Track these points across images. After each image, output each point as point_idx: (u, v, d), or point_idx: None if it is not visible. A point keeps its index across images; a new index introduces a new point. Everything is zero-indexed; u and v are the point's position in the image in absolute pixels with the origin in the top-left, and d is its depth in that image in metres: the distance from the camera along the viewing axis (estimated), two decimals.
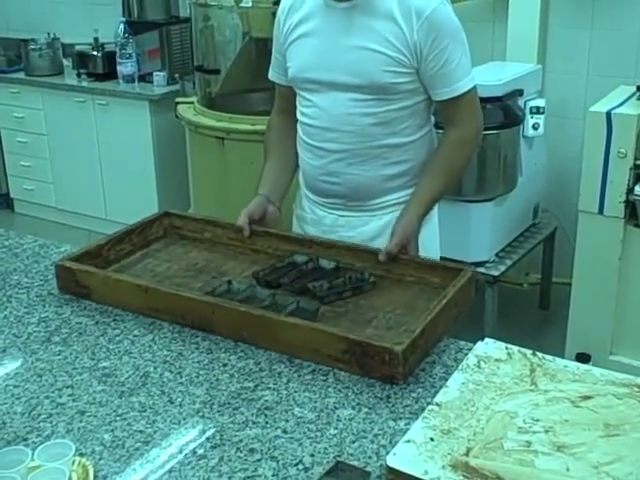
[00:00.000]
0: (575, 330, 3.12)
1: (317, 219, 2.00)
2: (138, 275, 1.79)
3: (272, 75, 2.03)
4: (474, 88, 1.86)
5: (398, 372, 1.38)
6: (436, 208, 2.00)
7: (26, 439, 1.27)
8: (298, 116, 1.95)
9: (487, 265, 3.23)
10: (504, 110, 3.20)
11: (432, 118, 1.96)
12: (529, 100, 3.37)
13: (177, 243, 1.98)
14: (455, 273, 1.67)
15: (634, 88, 3.09)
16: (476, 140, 1.94)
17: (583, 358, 2.97)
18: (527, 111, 3.34)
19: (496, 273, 3.21)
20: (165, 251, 1.94)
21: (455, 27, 1.81)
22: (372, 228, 1.93)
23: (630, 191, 2.88)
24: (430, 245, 1.97)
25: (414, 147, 1.89)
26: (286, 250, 1.85)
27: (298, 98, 1.95)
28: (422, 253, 1.85)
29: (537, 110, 3.34)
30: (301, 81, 1.90)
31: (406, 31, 1.76)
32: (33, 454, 1.17)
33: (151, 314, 1.64)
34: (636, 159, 2.87)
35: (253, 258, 1.88)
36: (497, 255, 3.32)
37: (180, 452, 1.23)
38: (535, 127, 3.35)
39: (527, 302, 3.86)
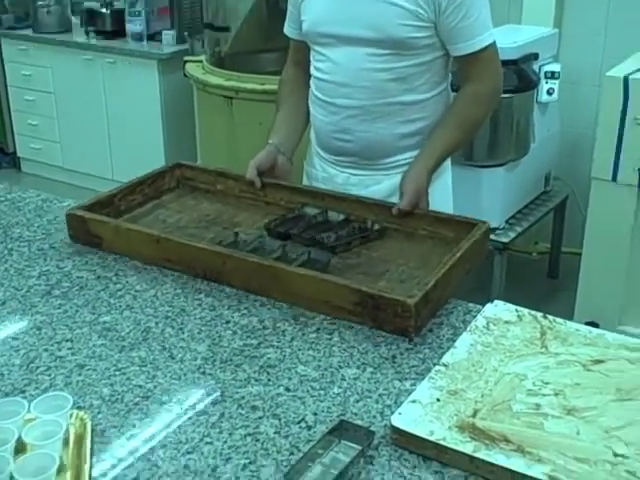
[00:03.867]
0: (584, 299, 3.09)
1: (328, 177, 1.96)
2: (149, 226, 1.76)
3: (287, 29, 1.98)
4: (494, 44, 1.80)
5: (410, 325, 1.35)
6: (449, 168, 1.95)
7: (24, 391, 1.24)
8: (312, 71, 1.90)
9: (497, 232, 3.18)
10: (518, 74, 3.13)
11: (449, 75, 1.91)
12: (544, 65, 3.30)
13: (188, 195, 1.96)
14: (469, 227, 1.63)
15: None
16: (493, 96, 1.88)
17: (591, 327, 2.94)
18: (542, 76, 3.27)
19: (506, 240, 3.17)
20: (177, 202, 1.92)
21: None
22: (385, 187, 1.88)
23: None
24: (443, 206, 1.93)
25: (430, 104, 1.84)
26: (298, 202, 1.82)
27: (312, 53, 1.89)
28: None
29: (552, 75, 3.27)
30: (316, 35, 1.84)
31: None
32: (29, 406, 1.14)
33: (162, 264, 1.62)
34: None
35: (265, 210, 1.85)
36: (507, 222, 3.27)
37: (180, 407, 1.20)
38: (549, 92, 3.28)
39: (536, 271, 3.83)
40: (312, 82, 1.91)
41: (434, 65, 1.81)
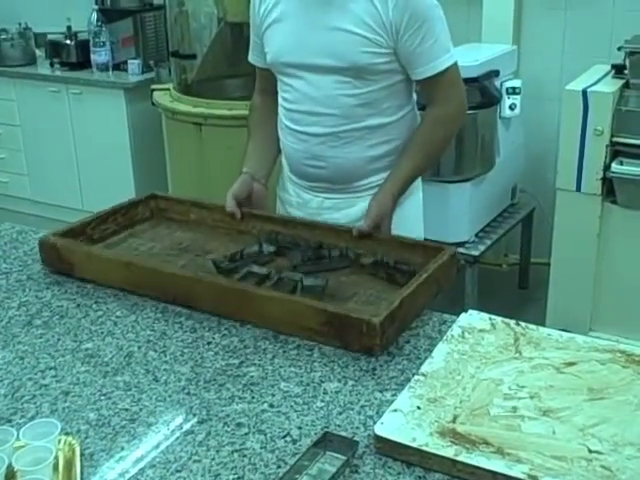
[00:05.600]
0: (554, 308, 3.15)
1: (302, 202, 1.98)
2: (121, 253, 1.78)
3: (252, 58, 2.01)
4: (454, 65, 1.83)
5: (376, 343, 1.38)
6: (420, 187, 2.00)
7: (10, 420, 1.25)
8: (279, 101, 1.93)
9: (467, 245, 3.24)
10: (481, 91, 3.20)
11: (414, 96, 1.95)
12: (505, 81, 3.38)
13: (162, 225, 1.97)
14: (436, 252, 1.66)
15: (608, 67, 3.11)
16: (457, 118, 1.92)
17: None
18: (503, 92, 3.35)
19: (476, 253, 3.22)
20: (150, 232, 1.94)
21: (430, 4, 1.78)
22: (358, 209, 1.90)
23: (607, 168, 2.90)
24: (414, 225, 1.97)
25: (396, 127, 1.88)
26: (270, 231, 1.84)
27: (279, 83, 1.93)
28: (406, 232, 1.83)
29: (513, 90, 3.35)
30: (280, 65, 1.88)
31: (381, 11, 1.74)
32: (18, 434, 1.16)
33: (132, 289, 1.64)
34: (612, 136, 2.89)
35: (238, 239, 1.86)
36: (476, 235, 3.33)
37: (167, 428, 1.23)
38: (512, 107, 3.36)
39: (507, 282, 3.89)
40: (280, 111, 1.94)
41: (397, 89, 1.85)
